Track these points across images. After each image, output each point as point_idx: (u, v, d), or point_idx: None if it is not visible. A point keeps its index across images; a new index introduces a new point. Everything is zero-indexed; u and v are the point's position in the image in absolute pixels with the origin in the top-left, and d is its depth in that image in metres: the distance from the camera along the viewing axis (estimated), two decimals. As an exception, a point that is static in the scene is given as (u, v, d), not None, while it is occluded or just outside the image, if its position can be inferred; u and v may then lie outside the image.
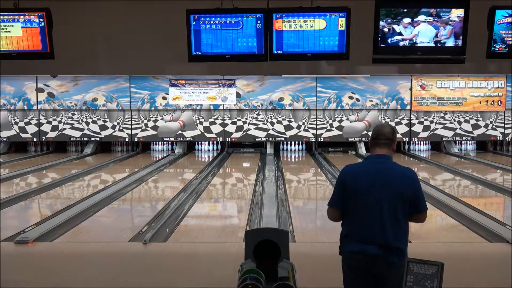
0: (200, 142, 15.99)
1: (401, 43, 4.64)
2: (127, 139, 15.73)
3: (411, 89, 15.39)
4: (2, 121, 15.66)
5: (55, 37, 4.90)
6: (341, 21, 4.68)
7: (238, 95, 15.44)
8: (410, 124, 15.49)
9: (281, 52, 4.75)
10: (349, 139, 15.50)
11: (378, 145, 3.26)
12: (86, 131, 15.64)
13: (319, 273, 4.76)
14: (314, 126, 15.53)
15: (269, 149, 15.33)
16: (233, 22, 4.73)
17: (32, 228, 6.45)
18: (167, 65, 7.27)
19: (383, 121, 15.37)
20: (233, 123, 15.53)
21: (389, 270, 3.11)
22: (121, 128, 15.62)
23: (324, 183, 10.76)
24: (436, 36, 4.64)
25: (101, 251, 5.72)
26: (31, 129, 15.68)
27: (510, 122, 15.55)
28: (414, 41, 4.63)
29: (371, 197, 3.12)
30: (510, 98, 15.46)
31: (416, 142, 15.83)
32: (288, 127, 15.54)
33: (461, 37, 4.62)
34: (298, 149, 15.86)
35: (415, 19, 4.60)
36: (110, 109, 15.57)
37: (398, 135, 15.41)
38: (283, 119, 15.53)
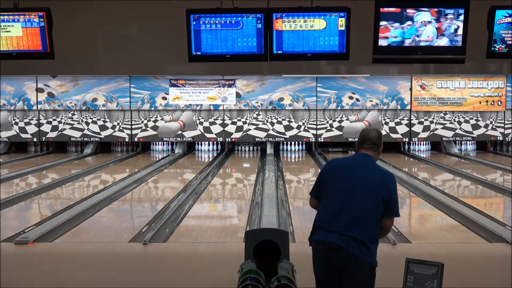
0: (200, 142, 15.98)
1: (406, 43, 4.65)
2: (127, 139, 15.72)
3: (411, 89, 15.38)
4: (2, 121, 15.65)
5: (55, 37, 4.90)
6: (341, 21, 4.68)
7: (238, 95, 15.44)
8: (410, 124, 15.48)
9: (281, 52, 4.75)
10: (349, 139, 15.49)
11: (363, 148, 3.31)
12: (86, 131, 15.64)
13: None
14: (314, 126, 15.53)
15: (269, 149, 15.32)
16: (233, 22, 4.73)
17: (32, 228, 6.45)
18: (167, 65, 7.28)
19: (383, 121, 15.38)
20: (233, 123, 15.53)
21: (350, 263, 3.05)
22: (121, 128, 15.62)
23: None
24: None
25: (101, 251, 5.72)
26: (31, 129, 15.67)
27: (510, 122, 15.55)
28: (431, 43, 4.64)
29: (343, 186, 3.16)
30: (510, 98, 15.45)
31: (416, 142, 15.82)
32: (288, 127, 15.53)
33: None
34: (298, 149, 15.86)
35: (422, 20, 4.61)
36: (110, 109, 15.56)
37: (398, 135, 15.42)
38: (283, 119, 15.52)
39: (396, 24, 4.60)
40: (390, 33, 4.61)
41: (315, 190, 3.34)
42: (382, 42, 4.63)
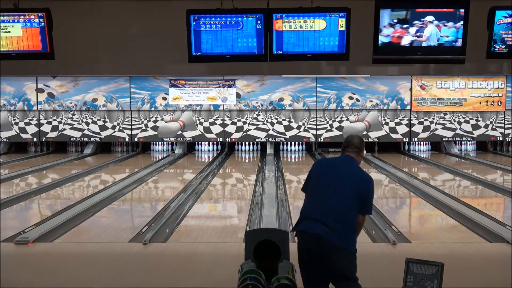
0: (200, 143, 15.98)
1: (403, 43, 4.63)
2: (127, 140, 15.72)
3: (411, 89, 15.38)
4: (2, 121, 15.65)
5: (55, 37, 4.90)
6: (341, 22, 4.68)
7: (238, 95, 15.44)
8: (410, 125, 15.48)
9: (281, 52, 4.75)
10: (349, 140, 15.45)
11: (347, 151, 3.65)
12: (86, 132, 15.64)
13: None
14: (314, 127, 15.53)
15: (269, 150, 15.32)
16: (233, 22, 4.73)
17: (32, 228, 6.45)
18: (167, 65, 7.28)
19: (383, 122, 15.39)
20: (233, 123, 15.53)
21: (331, 250, 3.25)
22: (121, 128, 15.62)
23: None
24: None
25: (101, 251, 5.72)
26: (31, 129, 15.67)
27: (510, 122, 15.55)
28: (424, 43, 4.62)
29: (328, 181, 3.47)
30: (510, 98, 15.45)
31: (416, 143, 15.82)
32: (288, 128, 15.53)
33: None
34: (298, 150, 15.85)
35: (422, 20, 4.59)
36: (110, 110, 15.57)
37: (398, 136, 15.42)
38: (283, 120, 15.52)
39: (450, 24, 4.59)
40: (442, 32, 4.60)
41: (305, 186, 3.63)
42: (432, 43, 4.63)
